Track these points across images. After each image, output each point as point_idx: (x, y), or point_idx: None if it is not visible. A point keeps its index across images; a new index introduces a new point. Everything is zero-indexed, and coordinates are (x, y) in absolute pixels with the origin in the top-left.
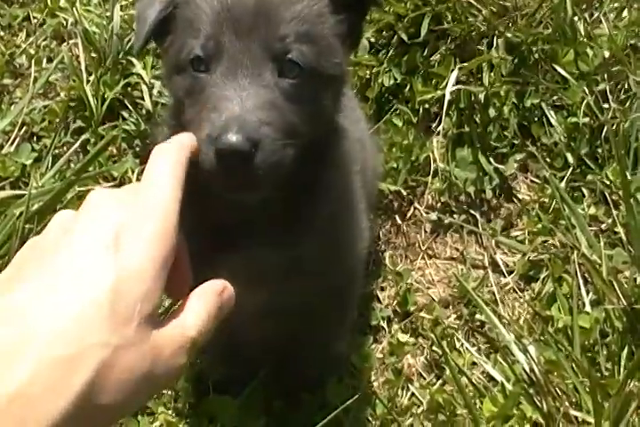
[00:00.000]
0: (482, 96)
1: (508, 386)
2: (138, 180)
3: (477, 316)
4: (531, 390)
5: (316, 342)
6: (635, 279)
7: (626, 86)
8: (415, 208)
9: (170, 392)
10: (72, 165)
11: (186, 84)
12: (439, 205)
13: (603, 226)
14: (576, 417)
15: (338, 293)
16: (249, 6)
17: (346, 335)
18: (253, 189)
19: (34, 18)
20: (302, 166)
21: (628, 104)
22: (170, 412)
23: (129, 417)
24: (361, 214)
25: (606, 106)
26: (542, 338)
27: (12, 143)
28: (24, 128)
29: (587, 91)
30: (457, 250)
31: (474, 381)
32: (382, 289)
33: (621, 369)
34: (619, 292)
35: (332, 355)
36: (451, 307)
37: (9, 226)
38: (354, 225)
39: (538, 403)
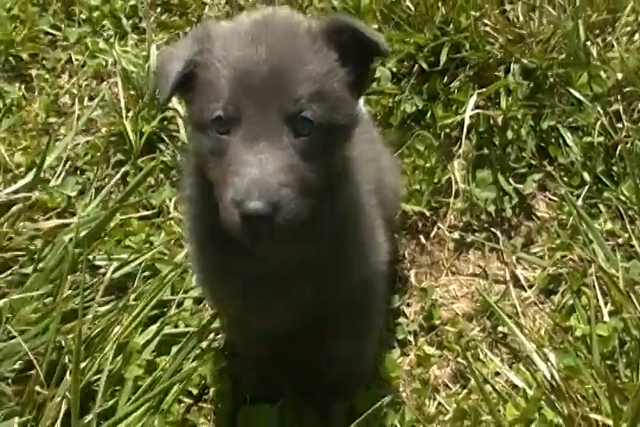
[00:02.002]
0: (500, 120)
1: (530, 392)
2: (175, 208)
3: (500, 328)
4: (552, 396)
5: (341, 357)
6: None
7: (639, 106)
8: (438, 228)
9: (210, 405)
10: (113, 196)
11: (209, 144)
12: (461, 224)
13: (619, 240)
14: (596, 420)
15: (355, 306)
16: (264, 71)
17: (371, 349)
18: (272, 240)
19: (75, 60)
20: (316, 209)
21: None
22: (210, 423)
23: None
24: (376, 230)
25: (620, 125)
26: (562, 347)
27: (57, 177)
28: (68, 163)
29: (601, 112)
30: (479, 266)
31: (497, 388)
32: (408, 305)
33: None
34: (636, 302)
35: (358, 368)
36: (474, 320)
37: (60, 251)
38: (364, 240)
39: (558, 407)
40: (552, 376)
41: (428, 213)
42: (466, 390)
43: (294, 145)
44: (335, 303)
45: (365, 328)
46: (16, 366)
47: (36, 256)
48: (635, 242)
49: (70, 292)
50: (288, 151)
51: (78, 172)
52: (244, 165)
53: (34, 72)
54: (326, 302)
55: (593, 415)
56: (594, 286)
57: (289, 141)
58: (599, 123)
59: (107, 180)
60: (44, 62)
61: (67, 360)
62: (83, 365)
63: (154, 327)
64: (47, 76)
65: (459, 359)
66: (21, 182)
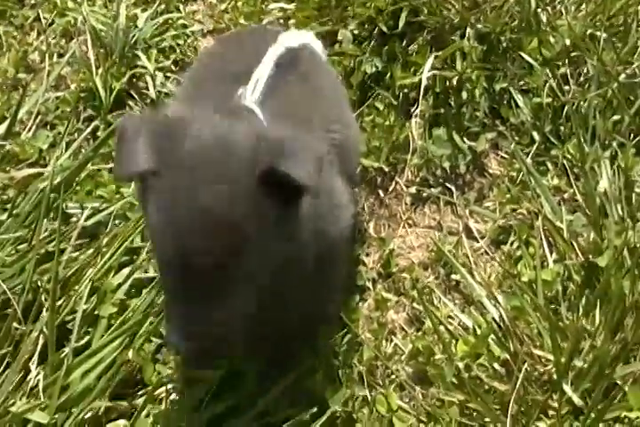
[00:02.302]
0: (455, 81)
1: (479, 331)
2: None
3: (453, 276)
4: (499, 335)
5: (310, 306)
6: (591, 239)
7: (584, 71)
8: (396, 183)
9: None
10: (83, 151)
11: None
12: (418, 179)
13: (565, 195)
14: (538, 356)
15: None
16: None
17: (337, 297)
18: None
19: (44, 18)
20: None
21: (586, 86)
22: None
23: None
24: (341, 195)
25: (567, 88)
26: (510, 291)
27: (28, 130)
28: (39, 117)
29: (550, 75)
30: (434, 219)
31: (450, 329)
32: (367, 255)
33: (580, 316)
34: (577, 250)
35: (325, 315)
36: (429, 269)
37: (35, 197)
38: (333, 206)
39: (505, 345)
40: (500, 317)
41: (386, 169)
42: (420, 333)
43: None
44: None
45: (333, 277)
46: None
47: (9, 205)
48: (579, 197)
49: (45, 234)
50: None
51: (49, 126)
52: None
53: (1, 29)
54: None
55: (536, 352)
56: (540, 237)
57: None
58: (548, 85)
59: (77, 134)
60: (11, 19)
61: (43, 299)
62: (58, 303)
63: (126, 271)
64: (15, 33)
65: (414, 305)
66: None
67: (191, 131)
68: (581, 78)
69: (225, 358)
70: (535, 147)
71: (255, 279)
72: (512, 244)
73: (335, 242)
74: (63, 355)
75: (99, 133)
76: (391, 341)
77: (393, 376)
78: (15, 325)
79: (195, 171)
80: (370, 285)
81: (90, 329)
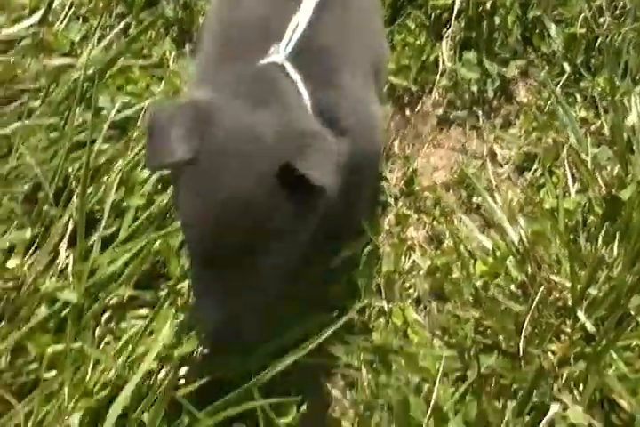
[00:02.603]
0: (489, 5)
1: (499, 253)
2: (174, 62)
3: (475, 199)
4: (518, 258)
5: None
6: (615, 172)
7: (621, 4)
8: (423, 103)
9: None
10: (115, 46)
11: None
12: (445, 101)
13: (592, 127)
14: (555, 282)
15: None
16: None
17: (367, 209)
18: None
19: None
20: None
21: (622, 19)
22: None
23: None
24: (376, 119)
25: (602, 20)
26: (531, 216)
27: (61, 22)
28: (72, 9)
29: (585, 5)
30: (459, 142)
31: (470, 248)
32: (391, 171)
33: (598, 247)
34: (601, 182)
35: (349, 225)
36: (451, 190)
37: (67, 87)
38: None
39: (525, 266)
40: (520, 241)
41: (414, 89)
42: (439, 251)
43: None
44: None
45: (358, 202)
46: (25, 188)
47: (42, 93)
48: (606, 130)
49: (77, 123)
50: None
51: (81, 20)
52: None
53: None
54: None
55: (553, 277)
56: (564, 167)
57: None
58: (582, 16)
59: (108, 30)
60: None
61: (73, 186)
62: (88, 191)
63: None
64: None
65: (434, 223)
66: (28, 21)
67: (218, 122)
68: (617, 11)
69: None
70: (565, 77)
71: (282, 264)
72: (535, 171)
73: (367, 165)
74: (91, 241)
75: (130, 31)
76: (409, 256)
77: (410, 291)
78: (46, 208)
79: (222, 162)
80: (392, 201)
81: (118, 219)
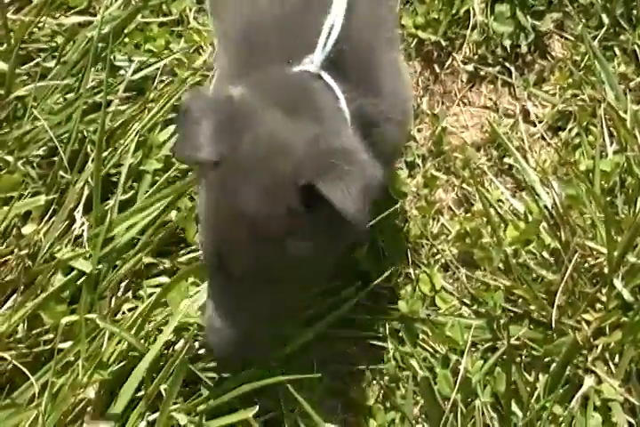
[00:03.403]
0: None
1: (530, 218)
2: (194, 19)
3: (506, 159)
4: (551, 223)
5: None
6: None
7: None
8: (453, 58)
9: None
10: (133, 2)
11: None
12: (476, 57)
13: (631, 84)
14: (590, 248)
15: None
16: None
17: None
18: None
19: None
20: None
21: None
22: None
23: None
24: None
25: None
26: (565, 178)
27: None
28: None
29: None
30: (490, 99)
31: (501, 212)
32: (419, 131)
33: (637, 211)
34: None
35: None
36: (482, 150)
37: (83, 46)
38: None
39: (557, 232)
40: (553, 205)
41: (444, 44)
42: (469, 214)
43: None
44: None
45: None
46: (40, 152)
47: (57, 52)
48: None
49: (92, 84)
50: None
51: None
52: None
53: None
54: None
55: (588, 243)
56: (601, 125)
57: None
58: None
59: None
60: None
61: (89, 149)
62: (104, 155)
63: (171, 128)
64: None
65: (464, 185)
66: None
67: (250, 126)
68: None
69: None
70: (603, 30)
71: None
72: (570, 131)
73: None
74: (107, 207)
75: None
76: (438, 220)
77: (438, 256)
78: (61, 173)
79: (246, 171)
80: (419, 162)
81: (134, 184)
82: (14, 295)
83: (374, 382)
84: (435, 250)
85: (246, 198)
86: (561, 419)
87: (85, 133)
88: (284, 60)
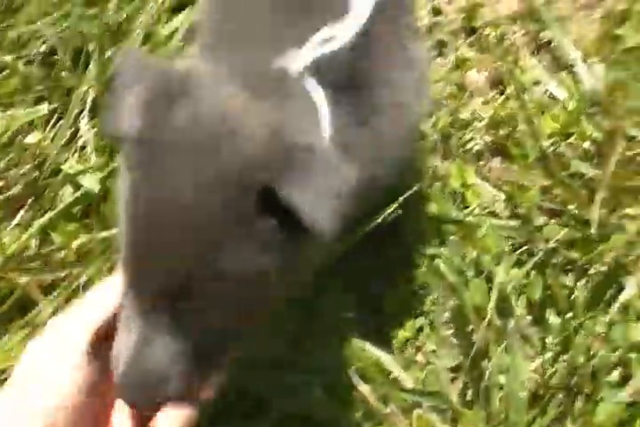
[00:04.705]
0: None
1: (571, 105)
2: None
3: (544, 33)
4: (593, 110)
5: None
6: None
7: None
8: None
9: None
10: None
11: None
12: None
13: None
14: (634, 137)
15: None
16: None
17: None
18: None
19: None
20: None
21: None
22: None
23: None
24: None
25: None
26: (612, 57)
27: None
28: None
29: None
30: None
31: (536, 99)
32: (449, 2)
33: None
34: None
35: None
36: (518, 23)
37: None
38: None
39: (599, 122)
40: (596, 89)
41: None
42: (503, 97)
43: None
44: None
45: None
46: (41, 50)
47: None
48: None
49: None
50: None
51: None
52: None
53: None
54: None
55: (633, 132)
56: None
57: None
58: None
59: None
60: None
61: (90, 49)
62: (108, 54)
63: (180, 16)
64: None
65: (498, 64)
66: None
67: (189, 100)
68: None
69: None
70: None
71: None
72: None
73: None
74: None
75: None
76: (469, 106)
77: (469, 146)
78: (64, 74)
79: (179, 155)
80: (450, 40)
81: None
82: (20, 213)
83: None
84: (466, 138)
85: (174, 191)
86: (598, 328)
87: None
88: (270, 53)
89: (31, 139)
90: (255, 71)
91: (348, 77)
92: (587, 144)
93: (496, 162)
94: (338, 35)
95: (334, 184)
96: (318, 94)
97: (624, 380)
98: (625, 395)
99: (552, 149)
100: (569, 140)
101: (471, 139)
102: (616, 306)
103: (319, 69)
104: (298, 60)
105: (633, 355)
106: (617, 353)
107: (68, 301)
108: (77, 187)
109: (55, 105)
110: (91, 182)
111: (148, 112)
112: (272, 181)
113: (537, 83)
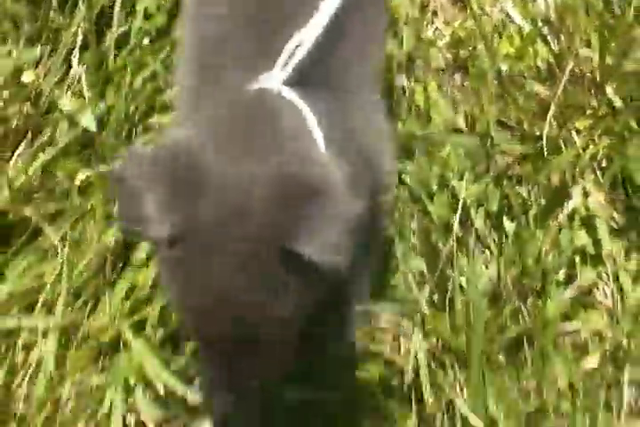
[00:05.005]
0: None
1: (525, 27)
2: None
3: None
4: (545, 30)
5: None
6: None
7: None
8: None
9: None
10: None
11: None
12: None
13: None
14: (585, 57)
15: None
16: None
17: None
18: None
19: None
20: None
21: None
22: None
23: None
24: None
25: None
26: None
27: None
28: None
29: None
30: None
31: (494, 20)
32: None
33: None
34: None
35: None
36: None
37: None
38: None
39: (551, 43)
40: (547, 11)
41: None
42: (462, 18)
43: None
44: None
45: None
46: None
47: None
48: None
49: None
50: None
51: None
52: None
53: None
54: None
55: (582, 51)
56: None
57: None
58: None
59: None
60: None
61: None
62: None
63: None
64: None
65: None
66: None
67: (204, 187)
68: None
69: None
70: None
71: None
72: None
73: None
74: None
75: None
76: (432, 23)
77: (433, 64)
78: (52, 14)
79: (211, 243)
80: None
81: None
82: (19, 148)
83: None
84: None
85: (219, 276)
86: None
87: None
88: (240, 78)
89: (26, 78)
90: (236, 110)
91: (323, 77)
92: (540, 64)
93: (457, 79)
94: (306, 37)
95: (341, 223)
96: (303, 105)
97: (569, 279)
98: (570, 292)
99: (507, 69)
100: (524, 64)
101: (434, 57)
102: (565, 213)
103: (299, 77)
104: (274, 75)
105: (577, 257)
106: (564, 256)
107: (72, 228)
108: (75, 124)
109: (46, 44)
110: (88, 121)
111: (174, 209)
112: (287, 244)
113: (494, 6)
